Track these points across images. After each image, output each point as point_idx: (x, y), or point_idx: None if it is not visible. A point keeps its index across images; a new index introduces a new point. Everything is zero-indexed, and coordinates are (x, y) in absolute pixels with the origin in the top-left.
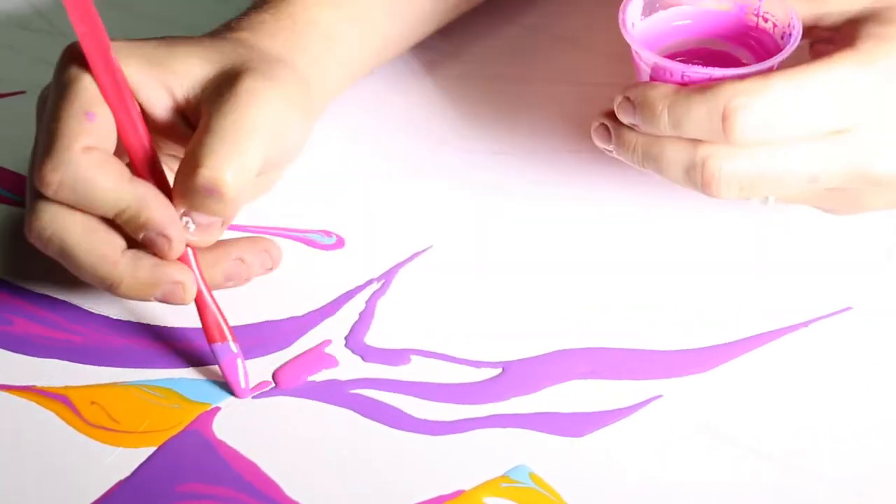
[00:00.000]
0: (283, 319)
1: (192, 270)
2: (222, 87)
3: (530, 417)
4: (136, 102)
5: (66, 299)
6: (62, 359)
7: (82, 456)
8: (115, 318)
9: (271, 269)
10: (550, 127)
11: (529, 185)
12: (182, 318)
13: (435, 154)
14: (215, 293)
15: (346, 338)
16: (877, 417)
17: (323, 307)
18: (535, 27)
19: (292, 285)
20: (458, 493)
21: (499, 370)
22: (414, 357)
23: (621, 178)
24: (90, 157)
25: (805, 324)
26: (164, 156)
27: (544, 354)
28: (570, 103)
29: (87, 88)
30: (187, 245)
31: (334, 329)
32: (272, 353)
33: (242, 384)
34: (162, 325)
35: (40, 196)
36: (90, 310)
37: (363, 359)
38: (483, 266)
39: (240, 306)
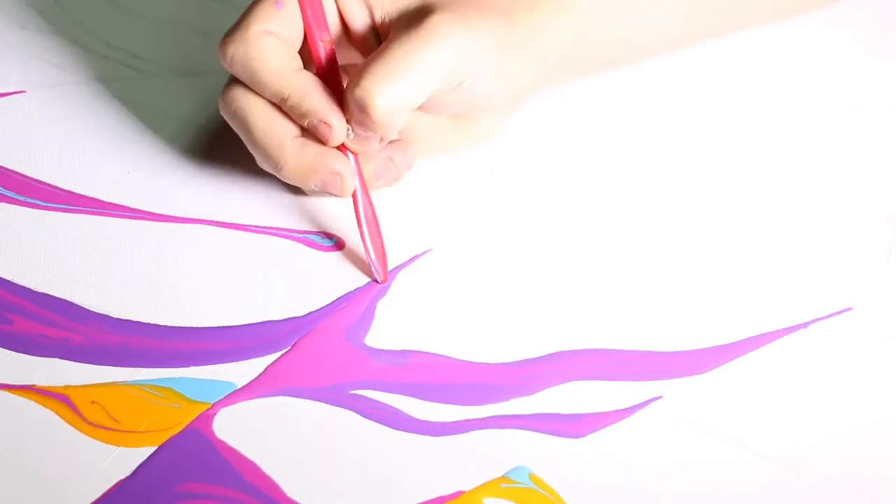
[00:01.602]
0: (283, 320)
1: (352, 165)
2: (413, 18)
3: (530, 418)
4: (324, 7)
5: (67, 298)
6: (62, 358)
7: (82, 455)
8: (115, 317)
9: (410, 167)
10: (550, 129)
11: (530, 186)
12: (182, 317)
13: (435, 156)
14: None
15: (345, 339)
16: (877, 418)
17: (323, 308)
18: None
19: (292, 286)
20: (458, 493)
21: (499, 371)
22: (414, 358)
23: (622, 177)
24: (265, 41)
25: (805, 324)
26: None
27: (544, 355)
28: (570, 104)
29: None
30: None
31: (334, 330)
32: (272, 353)
33: (380, 275)
34: (162, 324)
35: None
36: (91, 309)
37: (363, 360)
38: (483, 268)
39: (239, 306)
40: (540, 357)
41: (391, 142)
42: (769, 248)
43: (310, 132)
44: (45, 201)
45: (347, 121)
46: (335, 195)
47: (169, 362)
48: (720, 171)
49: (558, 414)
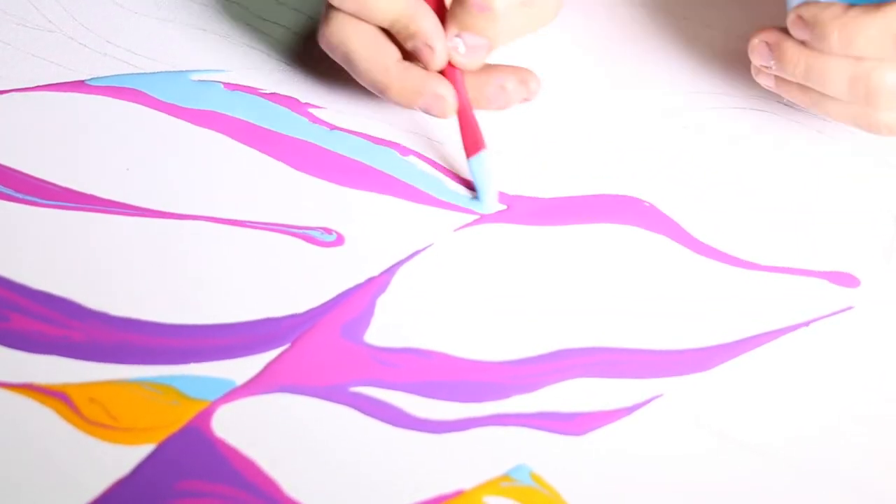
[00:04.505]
0: (283, 317)
1: (457, 88)
2: None
3: (531, 416)
4: None
5: (65, 295)
6: (61, 355)
7: (81, 453)
8: (114, 314)
9: (528, 99)
10: (551, 125)
11: (532, 185)
12: (181, 314)
13: (434, 153)
14: None
15: (344, 336)
16: (877, 417)
17: (323, 304)
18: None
19: (292, 283)
20: (459, 492)
21: (500, 368)
22: (414, 355)
23: (626, 174)
24: None
25: (806, 323)
26: None
27: (545, 353)
28: (570, 98)
29: None
30: (455, 67)
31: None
32: (271, 350)
33: (488, 197)
34: (161, 321)
35: (331, 7)
36: (89, 306)
37: (363, 357)
38: (484, 265)
39: (238, 303)
40: (541, 355)
41: (503, 67)
42: (770, 246)
43: (412, 55)
44: (44, 198)
45: (458, 34)
46: (438, 116)
47: (168, 360)
48: (722, 170)
49: (559, 412)
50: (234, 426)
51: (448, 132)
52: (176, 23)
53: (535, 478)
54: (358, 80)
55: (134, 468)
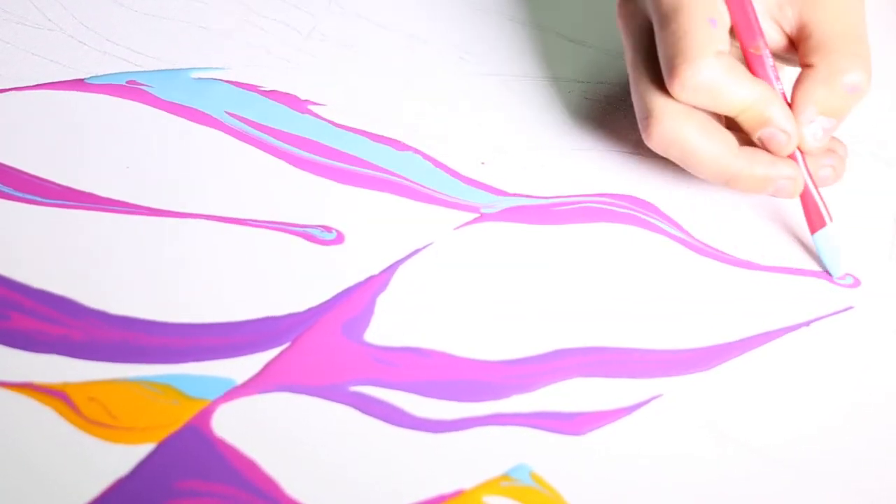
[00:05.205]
0: (282, 316)
1: (800, 167)
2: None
3: (531, 416)
4: (752, 6)
5: (65, 294)
6: (60, 354)
7: (81, 453)
8: (114, 313)
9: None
10: (550, 125)
11: (530, 182)
12: (181, 313)
13: (434, 150)
14: None
15: (345, 335)
16: (877, 417)
17: (323, 303)
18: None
19: (291, 281)
20: (459, 492)
21: (500, 368)
22: (414, 354)
23: (624, 176)
24: (722, 61)
25: (806, 323)
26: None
27: (545, 353)
28: (570, 100)
29: None
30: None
31: (334, 326)
32: (271, 348)
33: (838, 271)
34: (161, 320)
35: (663, 103)
36: (89, 305)
37: (363, 356)
38: (484, 264)
39: (238, 302)
40: (541, 354)
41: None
42: (770, 246)
43: (753, 141)
44: (44, 197)
45: (813, 119)
46: (786, 198)
47: (168, 359)
48: None
49: (559, 412)
50: (234, 425)
51: (448, 130)
52: (175, 21)
53: (535, 477)
54: (694, 173)
55: (134, 467)
